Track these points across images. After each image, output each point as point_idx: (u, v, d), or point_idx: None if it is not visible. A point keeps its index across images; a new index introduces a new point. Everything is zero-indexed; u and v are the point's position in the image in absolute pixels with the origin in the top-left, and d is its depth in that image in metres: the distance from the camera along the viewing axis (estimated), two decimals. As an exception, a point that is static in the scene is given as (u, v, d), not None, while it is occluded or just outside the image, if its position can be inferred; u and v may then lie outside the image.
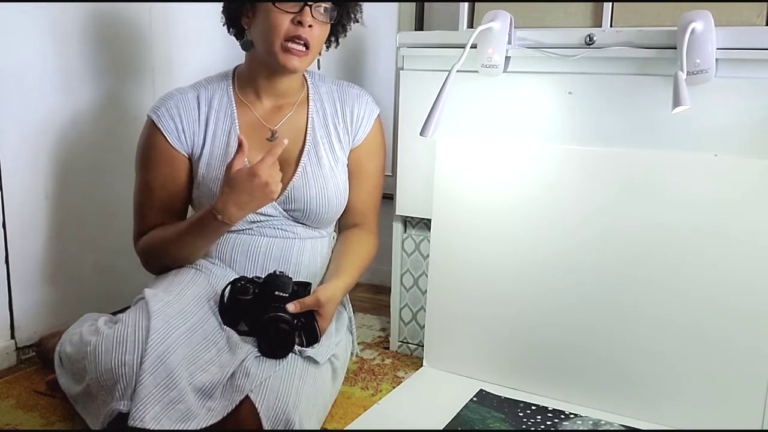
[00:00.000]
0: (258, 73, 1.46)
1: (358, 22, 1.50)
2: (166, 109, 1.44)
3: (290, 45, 1.36)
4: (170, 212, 1.46)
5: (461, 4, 1.78)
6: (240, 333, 1.32)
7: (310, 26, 1.36)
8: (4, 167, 1.58)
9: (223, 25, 1.49)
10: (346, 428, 1.38)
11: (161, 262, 1.45)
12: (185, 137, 1.44)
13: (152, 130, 1.45)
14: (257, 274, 1.41)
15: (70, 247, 1.75)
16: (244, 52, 1.48)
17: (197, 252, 1.43)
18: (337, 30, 1.48)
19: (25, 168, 1.63)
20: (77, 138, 1.73)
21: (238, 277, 1.38)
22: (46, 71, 1.65)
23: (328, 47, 1.50)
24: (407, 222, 1.72)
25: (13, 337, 1.64)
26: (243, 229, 1.45)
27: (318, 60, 1.47)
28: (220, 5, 1.47)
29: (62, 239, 1.73)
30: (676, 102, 1.27)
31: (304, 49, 1.38)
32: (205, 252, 1.45)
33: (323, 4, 1.38)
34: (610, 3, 1.60)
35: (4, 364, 1.62)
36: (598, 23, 1.63)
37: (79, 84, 1.72)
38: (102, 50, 1.77)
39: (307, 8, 1.36)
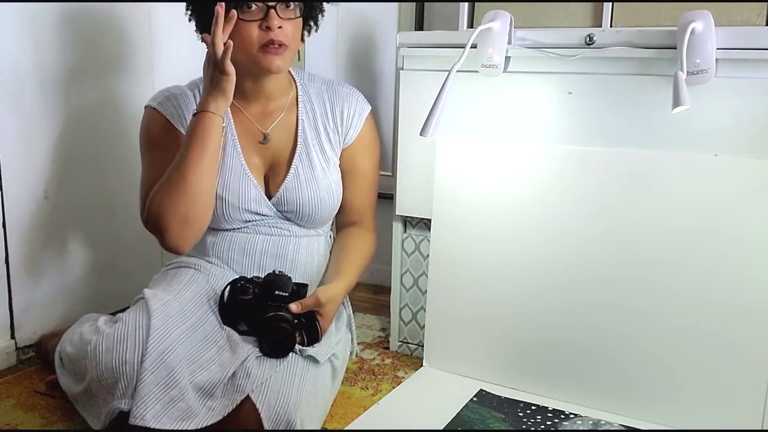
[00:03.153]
0: (243, 77, 1.43)
1: (330, 1, 1.48)
2: (166, 98, 1.45)
3: (266, 47, 1.35)
4: None
5: (461, 4, 1.78)
6: (240, 333, 1.33)
7: (279, 27, 1.35)
8: (3, 167, 1.58)
9: (195, 32, 1.46)
10: (346, 428, 1.38)
11: (170, 213, 1.31)
12: (186, 123, 1.42)
13: (153, 114, 1.45)
14: (255, 272, 1.42)
15: (70, 247, 1.75)
16: None
17: (200, 171, 1.31)
18: (309, 16, 1.47)
19: (25, 168, 1.63)
20: (77, 138, 1.73)
21: (237, 277, 1.38)
22: (46, 71, 1.65)
23: (309, 33, 1.49)
24: (407, 222, 1.72)
25: (13, 337, 1.64)
26: (239, 228, 1.46)
27: (298, 51, 1.46)
28: None
29: (62, 239, 1.73)
30: (676, 102, 1.27)
31: (279, 47, 1.36)
32: (210, 182, 1.35)
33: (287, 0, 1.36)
34: (610, 3, 1.60)
35: (4, 364, 1.62)
36: (598, 23, 1.63)
37: (78, 84, 1.72)
38: (101, 50, 1.77)
39: (272, 11, 1.34)
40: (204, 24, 1.41)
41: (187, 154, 1.31)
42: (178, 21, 1.94)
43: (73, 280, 1.76)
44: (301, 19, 1.41)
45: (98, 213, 1.80)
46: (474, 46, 1.48)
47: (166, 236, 1.32)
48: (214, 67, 1.30)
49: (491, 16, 1.47)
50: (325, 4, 1.49)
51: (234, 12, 1.29)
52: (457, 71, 1.47)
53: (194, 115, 1.33)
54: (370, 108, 1.57)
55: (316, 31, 1.52)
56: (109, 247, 1.82)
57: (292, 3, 1.37)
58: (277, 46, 1.35)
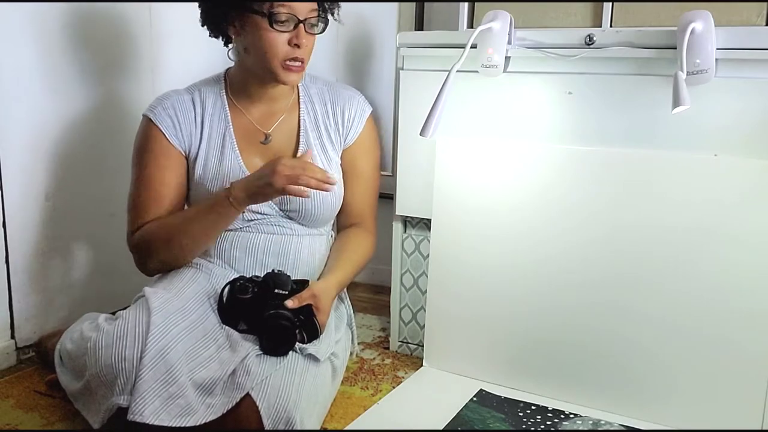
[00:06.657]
0: (250, 80, 1.46)
1: (336, 20, 1.49)
2: (163, 108, 1.45)
3: (288, 63, 1.38)
4: (167, 209, 1.45)
5: (461, 4, 1.78)
6: (240, 332, 1.33)
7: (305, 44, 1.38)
8: (4, 167, 1.58)
9: (207, 32, 1.46)
10: (346, 428, 1.38)
11: (159, 254, 1.42)
12: (182, 135, 1.45)
13: (149, 127, 1.45)
14: (257, 271, 1.43)
15: (70, 247, 1.75)
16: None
17: (200, 241, 1.41)
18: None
19: (26, 168, 1.63)
20: (77, 138, 1.73)
21: (236, 276, 1.38)
22: (47, 72, 1.65)
23: None
24: (407, 222, 1.72)
25: (13, 337, 1.64)
26: (241, 227, 1.46)
27: None
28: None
29: (62, 239, 1.73)
30: (676, 102, 1.27)
31: (301, 64, 1.39)
32: (206, 247, 1.45)
33: (314, 17, 1.38)
34: (610, 3, 1.60)
35: (4, 364, 1.62)
36: (598, 23, 1.63)
37: (79, 85, 1.72)
38: (102, 51, 1.77)
39: (301, 26, 1.36)
40: (214, 25, 1.44)
41: (196, 228, 1.39)
42: (179, 22, 1.95)
43: (73, 280, 1.77)
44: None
45: (98, 214, 1.80)
46: (474, 46, 1.48)
47: (142, 269, 1.46)
48: (274, 187, 1.31)
49: (491, 16, 1.47)
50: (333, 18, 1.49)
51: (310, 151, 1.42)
52: (457, 71, 1.47)
53: (226, 197, 1.35)
54: (371, 110, 1.58)
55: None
56: (109, 248, 1.82)
57: (320, 20, 1.40)
58: (299, 63, 1.38)
